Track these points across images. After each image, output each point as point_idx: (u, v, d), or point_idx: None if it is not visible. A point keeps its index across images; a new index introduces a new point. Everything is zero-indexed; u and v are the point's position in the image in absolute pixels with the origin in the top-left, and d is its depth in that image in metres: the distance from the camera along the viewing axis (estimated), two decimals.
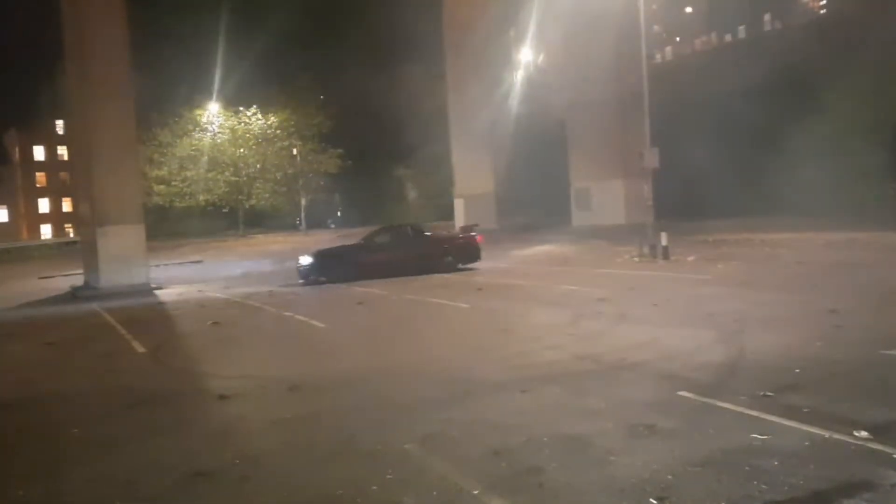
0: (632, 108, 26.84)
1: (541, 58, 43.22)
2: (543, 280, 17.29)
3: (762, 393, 6.68)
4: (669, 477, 4.94)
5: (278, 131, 57.74)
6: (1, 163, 78.54)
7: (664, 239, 19.56)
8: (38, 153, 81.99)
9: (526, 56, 43.16)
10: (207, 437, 6.75)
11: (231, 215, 60.53)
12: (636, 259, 20.07)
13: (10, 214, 78.40)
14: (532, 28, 39.33)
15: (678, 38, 43.85)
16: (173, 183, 56.04)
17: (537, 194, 41.66)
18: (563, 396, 7.18)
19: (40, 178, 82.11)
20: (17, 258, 50.04)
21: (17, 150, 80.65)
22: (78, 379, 10.06)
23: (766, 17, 41.80)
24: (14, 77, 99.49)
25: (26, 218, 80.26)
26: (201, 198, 57.22)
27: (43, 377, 10.25)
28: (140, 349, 11.80)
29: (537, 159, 40.70)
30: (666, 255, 19.45)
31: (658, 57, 43.03)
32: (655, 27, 34.21)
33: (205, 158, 56.41)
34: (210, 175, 56.83)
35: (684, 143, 28.32)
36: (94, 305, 18.32)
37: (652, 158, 20.52)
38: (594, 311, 12.11)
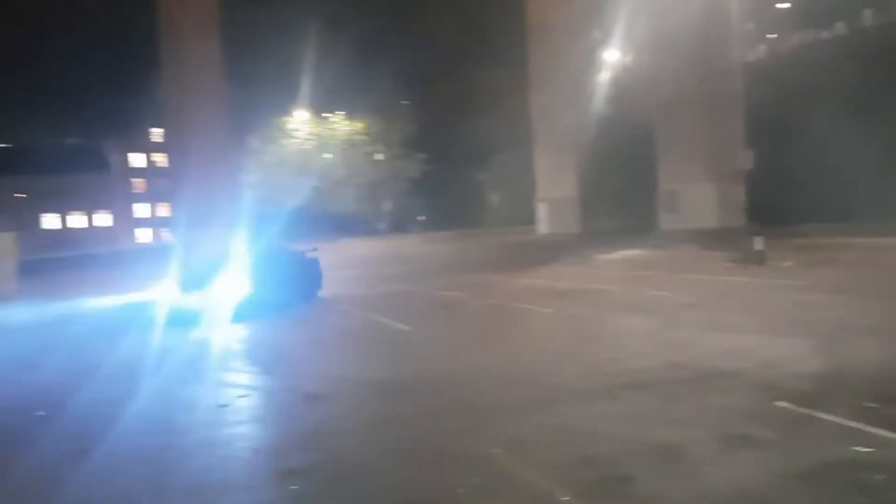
0: (724, 108, 26.13)
1: (627, 58, 42.45)
2: (630, 285, 16.94)
3: (865, 404, 6.35)
4: (766, 490, 4.76)
5: (363, 137, 58.61)
6: (102, 170, 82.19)
7: (759, 243, 18.87)
8: (137, 160, 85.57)
9: (612, 56, 42.48)
10: (298, 436, 6.86)
11: (316, 221, 61.70)
12: (728, 264, 19.43)
13: (111, 220, 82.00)
14: (618, 28, 38.66)
15: (772, 36, 42.39)
16: (262, 189, 57.48)
17: (623, 198, 40.93)
18: (654, 404, 7.00)
19: (138, 184, 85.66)
20: (118, 261, 52.24)
21: (117, 157, 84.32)
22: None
23: (867, 12, 39.97)
24: (114, 88, 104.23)
25: (126, 223, 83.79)
26: (288, 203, 58.49)
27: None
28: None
29: (623, 162, 39.96)
30: (760, 260, 18.76)
31: (751, 55, 41.73)
32: (748, 24, 33.10)
33: (292, 165, 57.70)
34: (297, 181, 58.07)
35: (779, 144, 27.31)
36: None
37: (746, 160, 19.89)
38: (685, 317, 11.78)
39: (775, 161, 25.41)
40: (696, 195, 31.68)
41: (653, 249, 26.04)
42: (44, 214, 77.78)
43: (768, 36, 41.98)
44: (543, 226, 41.85)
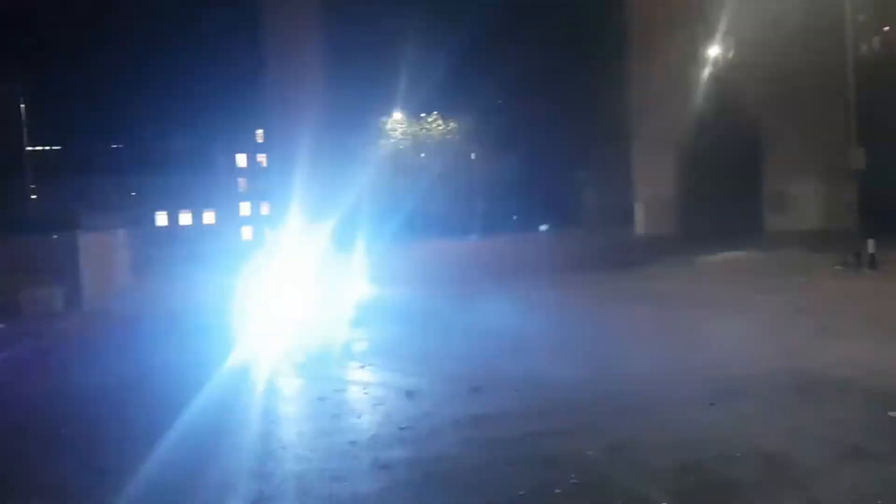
0: (834, 104, 24.97)
1: (730, 53, 41.11)
2: (733, 288, 16.42)
3: None
4: (879, 503, 4.55)
5: (458, 137, 58.86)
6: (209, 169, 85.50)
7: (871, 246, 17.97)
8: (241, 160, 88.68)
9: (715, 52, 41.23)
10: (394, 431, 6.99)
11: (410, 220, 62.36)
12: (838, 268, 18.56)
13: (216, 217, 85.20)
14: (721, 22, 37.47)
15: (887, 28, 40.27)
16: (359, 188, 58.54)
17: (724, 198, 39.68)
18: (758, 411, 6.78)
19: (242, 183, 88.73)
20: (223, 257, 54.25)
21: (222, 157, 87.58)
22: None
23: None
24: (221, 90, 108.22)
25: (230, 221, 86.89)
26: (384, 203, 59.34)
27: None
28: None
29: (725, 161, 38.72)
30: (873, 264, 17.85)
31: (864, 48, 39.77)
32: (861, 17, 31.56)
33: (388, 164, 58.48)
34: (392, 181, 58.85)
35: (893, 143, 25.91)
36: None
37: (857, 159, 18.94)
38: (792, 322, 11.35)
39: (888, 160, 24.12)
40: (803, 195, 30.50)
41: (757, 251, 25.13)
42: (158, 212, 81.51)
43: (884, 28, 39.93)
44: (641, 226, 41.04)
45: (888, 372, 7.84)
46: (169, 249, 61.57)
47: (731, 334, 10.86)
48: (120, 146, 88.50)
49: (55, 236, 21.26)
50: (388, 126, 58.50)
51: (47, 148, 76.79)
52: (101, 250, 23.85)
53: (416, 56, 50.57)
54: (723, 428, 6.28)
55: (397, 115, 57.83)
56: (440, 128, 58.81)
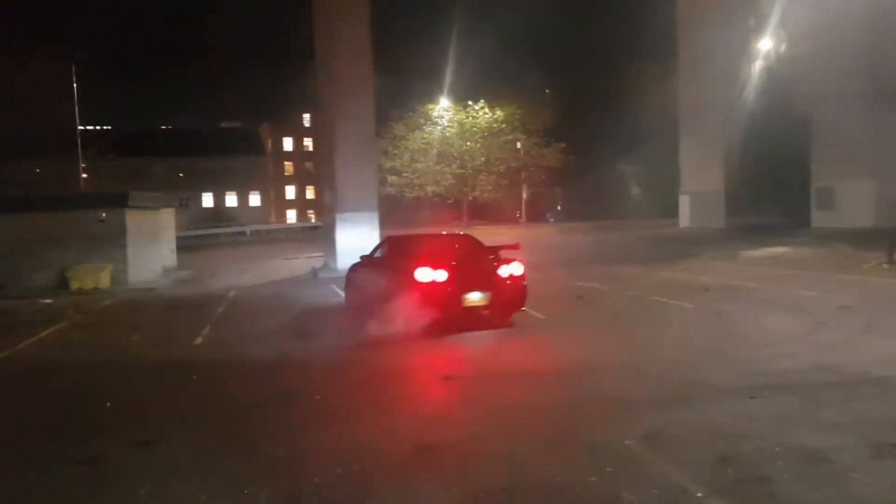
0: (887, 101, 24.43)
1: (783, 48, 40.34)
2: (777, 283, 16.20)
3: None
4: None
5: (504, 125, 58.64)
6: (256, 153, 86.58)
7: None
8: (287, 144, 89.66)
9: (766, 46, 40.50)
10: (433, 414, 7.08)
11: (455, 206, 62.50)
12: (885, 266, 18.19)
13: (262, 200, 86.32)
14: (774, 16, 36.79)
15: None
16: (405, 174, 58.78)
17: (772, 193, 39.06)
18: (798, 407, 6.72)
19: (288, 167, 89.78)
20: (266, 240, 55.15)
21: (269, 141, 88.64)
22: (321, 351, 10.91)
23: None
24: (267, 75, 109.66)
25: (275, 203, 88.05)
26: (429, 189, 59.54)
27: (289, 347, 11.23)
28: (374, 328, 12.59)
29: (773, 156, 38.11)
30: None
31: None
32: None
33: (434, 151, 58.59)
34: (438, 167, 58.96)
35: None
36: (333, 287, 19.59)
37: None
38: (835, 319, 11.18)
39: None
40: (852, 192, 29.89)
41: (802, 247, 24.69)
42: (204, 193, 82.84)
43: None
44: (685, 219, 40.66)
45: None
46: (215, 229, 62.74)
47: (772, 329, 10.76)
48: (169, 127, 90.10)
49: (104, 214, 21.76)
50: (435, 113, 58.51)
51: (98, 127, 78.43)
52: (148, 229, 24.34)
53: (464, 43, 50.61)
54: (762, 422, 6.24)
55: (444, 102, 57.80)
56: (487, 116, 58.63)
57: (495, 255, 11.97)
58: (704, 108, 38.13)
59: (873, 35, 27.46)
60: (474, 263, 11.88)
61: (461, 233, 15.60)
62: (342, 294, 15.75)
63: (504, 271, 11.70)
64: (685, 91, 40.38)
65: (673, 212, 42.24)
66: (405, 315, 10.97)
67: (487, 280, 11.50)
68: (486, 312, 11.70)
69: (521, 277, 11.83)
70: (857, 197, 29.58)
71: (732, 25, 37.44)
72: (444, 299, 11.11)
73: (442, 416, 7.04)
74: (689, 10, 39.48)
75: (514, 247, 12.57)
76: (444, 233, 19.10)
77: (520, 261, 12.00)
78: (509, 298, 11.64)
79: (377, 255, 13.99)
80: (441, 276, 11.16)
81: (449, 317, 11.20)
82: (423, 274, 11.17)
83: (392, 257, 13.05)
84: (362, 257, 14.29)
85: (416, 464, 5.67)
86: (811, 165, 33.10)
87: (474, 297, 11.29)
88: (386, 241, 14.41)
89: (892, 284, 15.25)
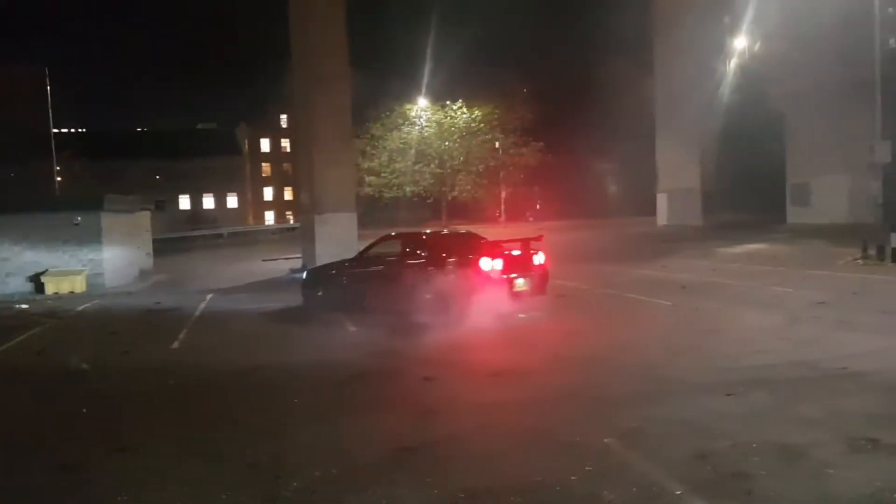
0: (860, 98, 24.70)
1: (757, 46, 40.74)
2: (753, 280, 16.36)
3: None
4: (895, 496, 4.55)
5: (482, 125, 58.70)
6: (232, 154, 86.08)
7: (894, 240, 17.80)
8: (265, 145, 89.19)
9: (741, 44, 40.89)
10: (413, 415, 7.06)
11: (434, 206, 62.49)
12: (860, 261, 18.42)
13: (239, 201, 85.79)
14: (749, 14, 37.13)
15: None
16: (383, 174, 58.66)
17: (747, 190, 39.45)
18: (775, 403, 6.79)
19: (265, 168, 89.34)
20: (244, 242, 54.78)
21: (246, 142, 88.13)
22: (298, 353, 10.88)
23: None
24: (244, 75, 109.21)
25: (253, 205, 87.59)
26: (408, 189, 59.47)
27: (268, 350, 11.18)
28: (351, 328, 12.56)
29: (748, 153, 38.53)
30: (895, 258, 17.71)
31: (892, 42, 39.21)
32: (890, 9, 31.07)
33: (412, 151, 58.53)
34: (417, 167, 58.90)
35: None
36: None
37: (883, 152, 18.77)
38: (811, 315, 11.30)
39: None
40: (826, 189, 30.25)
41: (779, 244, 24.96)
42: (181, 195, 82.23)
43: None
44: (663, 217, 40.89)
45: None
46: (192, 231, 62.31)
47: (748, 326, 10.87)
48: (144, 129, 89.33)
49: (79, 218, 21.51)
50: (412, 113, 58.46)
51: (73, 130, 77.58)
52: (125, 232, 24.11)
53: (441, 42, 50.59)
54: (739, 418, 6.30)
55: (421, 102, 57.77)
56: (465, 115, 58.66)
57: (525, 246, 13.15)
58: (680, 107, 38.39)
59: (845, 31, 27.77)
60: (515, 254, 12.99)
61: (463, 230, 16.45)
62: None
63: (536, 260, 13.10)
64: (661, 89, 40.63)
65: (651, 210, 42.47)
66: (461, 303, 12.10)
67: (527, 268, 12.85)
68: (527, 296, 12.82)
69: (546, 265, 13.27)
70: (831, 193, 29.94)
71: (707, 24, 37.71)
72: (501, 286, 12.29)
73: (421, 416, 7.00)
74: (664, 8, 39.72)
75: (538, 238, 13.57)
76: (445, 231, 19.27)
77: (543, 250, 13.29)
78: (540, 283, 13.06)
79: (381, 252, 14.48)
80: (499, 265, 12.36)
81: (503, 301, 12.24)
82: (486, 264, 12.33)
83: (421, 252, 13.64)
84: (348, 261, 15.20)
85: (395, 466, 5.65)
86: (786, 162, 33.44)
87: (520, 283, 12.60)
88: (394, 239, 14.76)
89: (867, 280, 15.44)
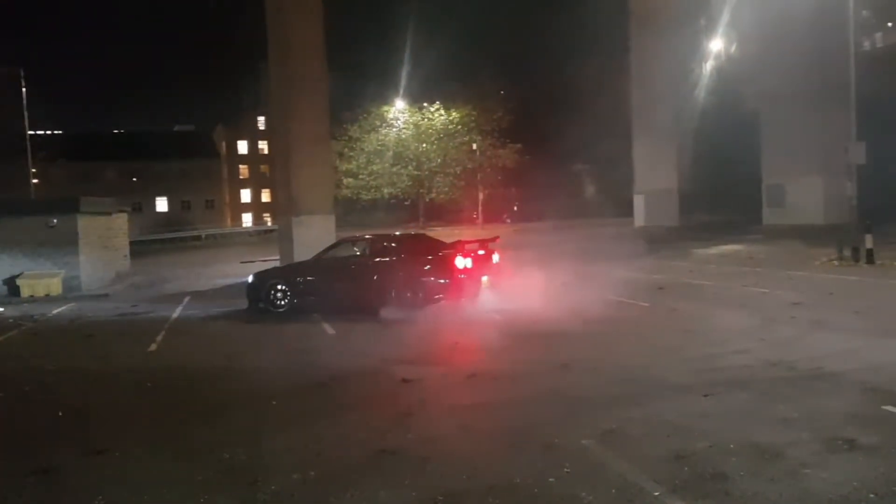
0: (835, 100, 24.99)
1: (733, 47, 41.11)
2: (730, 281, 16.51)
3: None
4: (872, 496, 4.61)
5: (459, 127, 58.82)
6: (210, 156, 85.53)
7: (869, 241, 18.04)
8: (242, 147, 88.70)
9: (717, 46, 41.24)
10: (391, 417, 7.04)
11: (412, 208, 62.51)
12: (835, 262, 18.65)
13: (217, 203, 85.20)
14: (723, 16, 37.47)
15: (890, 24, 40.23)
16: (360, 176, 58.61)
17: (723, 191, 39.75)
18: (752, 403, 6.84)
19: (243, 170, 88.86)
20: (222, 243, 54.44)
21: (223, 144, 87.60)
22: (275, 355, 10.83)
23: None
24: (221, 77, 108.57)
25: (230, 207, 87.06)
26: (385, 191, 59.46)
27: (245, 352, 11.12)
28: (330, 331, 12.51)
29: (725, 154, 38.82)
30: (870, 259, 17.93)
31: (867, 45, 39.74)
32: (864, 12, 31.48)
33: (390, 153, 58.55)
34: (394, 169, 58.91)
35: (893, 139, 25.92)
36: None
37: (858, 153, 18.99)
38: (787, 315, 11.41)
39: (888, 156, 24.16)
40: (801, 190, 30.49)
41: (755, 244, 25.23)
42: (158, 198, 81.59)
43: (889, 25, 39.88)
44: (640, 218, 41.07)
45: (882, 366, 7.89)
46: (168, 234, 61.79)
47: (725, 326, 10.94)
48: (121, 131, 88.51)
49: (55, 220, 21.27)
50: (390, 115, 58.44)
51: (48, 132, 76.70)
52: (101, 234, 23.86)
53: (419, 44, 50.61)
54: (716, 419, 6.34)
55: (399, 104, 57.76)
56: (442, 117, 58.71)
57: (485, 246, 14.34)
58: (657, 108, 38.58)
59: (820, 33, 28.06)
60: (478, 254, 14.06)
61: (413, 232, 17.90)
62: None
63: (495, 258, 14.41)
64: (637, 90, 40.79)
65: (628, 211, 42.66)
66: (430, 299, 13.48)
67: (489, 266, 14.11)
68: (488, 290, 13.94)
69: (501, 264, 14.64)
70: (807, 194, 30.18)
71: (683, 26, 37.98)
72: (473, 282, 13.68)
73: (399, 417, 6.98)
74: (640, 9, 39.91)
75: (494, 239, 14.84)
76: (398, 232, 20.00)
77: (498, 251, 14.62)
78: (498, 279, 14.30)
79: (342, 254, 15.16)
80: (470, 263, 13.61)
81: (473, 295, 13.66)
82: (461, 262, 13.51)
83: (387, 254, 14.55)
84: (302, 264, 16.05)
85: (373, 468, 5.64)
86: (762, 163, 33.71)
87: (484, 280, 13.92)
88: (360, 241, 15.40)
89: (842, 281, 15.62)
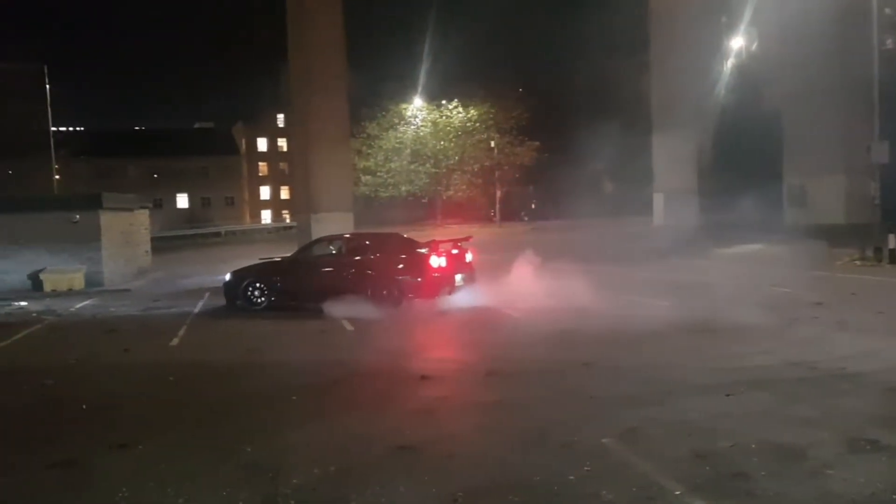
0: (857, 98, 24.73)
1: (754, 45, 40.75)
2: (751, 280, 16.37)
3: None
4: (895, 497, 4.57)
5: (477, 124, 58.70)
6: (230, 153, 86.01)
7: (892, 241, 17.85)
8: (261, 144, 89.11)
9: (738, 43, 40.90)
10: (411, 413, 7.07)
11: (429, 206, 62.51)
12: (857, 262, 18.48)
13: (236, 200, 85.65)
14: (746, 13, 37.15)
15: None
16: (378, 174, 58.65)
17: (744, 190, 39.45)
18: (773, 403, 6.80)
19: (262, 167, 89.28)
20: (241, 240, 54.76)
21: (243, 141, 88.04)
22: (295, 351, 10.89)
23: None
24: (242, 75, 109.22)
25: (250, 204, 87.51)
26: (403, 188, 59.45)
27: (265, 348, 11.19)
28: (349, 328, 12.55)
29: (745, 153, 38.51)
30: (893, 259, 17.76)
31: (889, 42, 39.29)
32: (887, 10, 31.12)
33: (408, 151, 58.53)
34: (412, 167, 58.90)
35: None
36: None
37: (880, 153, 18.79)
38: (809, 315, 11.32)
39: None
40: (824, 189, 30.22)
41: (776, 244, 24.94)
42: (178, 194, 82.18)
43: None
44: (659, 217, 40.86)
45: None
46: (189, 230, 62.23)
47: (746, 326, 10.84)
48: (142, 128, 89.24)
49: (77, 216, 21.47)
50: (408, 112, 58.43)
51: (71, 129, 77.47)
52: (123, 230, 24.07)
53: (438, 42, 50.58)
54: (737, 419, 6.31)
55: (417, 102, 57.74)
56: (460, 115, 58.63)
57: (459, 245, 14.95)
58: (676, 106, 38.33)
59: (842, 31, 27.79)
60: (453, 253, 14.62)
61: (391, 232, 18.36)
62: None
63: (468, 257, 15.04)
64: (657, 88, 40.56)
65: (647, 210, 42.43)
66: (405, 296, 14.06)
67: (462, 265, 14.72)
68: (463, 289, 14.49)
69: (473, 263, 15.25)
70: (829, 193, 29.92)
71: (704, 22, 37.73)
72: (447, 280, 14.24)
73: (418, 413, 7.00)
74: (661, 7, 39.68)
75: (467, 238, 15.55)
76: (374, 232, 20.61)
77: (472, 249, 15.35)
78: (472, 278, 14.93)
79: (321, 253, 15.89)
80: (444, 262, 14.18)
81: (448, 294, 14.20)
82: (436, 261, 14.08)
83: (363, 252, 15.14)
84: (276, 262, 16.18)
85: (394, 464, 5.66)
86: (783, 162, 33.43)
87: (458, 279, 14.47)
88: (336, 240, 16.16)
89: (864, 281, 15.48)
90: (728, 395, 7.03)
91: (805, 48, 30.37)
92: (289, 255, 17.09)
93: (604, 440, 5.90)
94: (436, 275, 14.14)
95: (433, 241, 15.07)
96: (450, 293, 14.28)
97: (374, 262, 14.68)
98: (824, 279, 16.06)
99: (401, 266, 14.46)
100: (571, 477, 5.16)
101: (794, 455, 5.36)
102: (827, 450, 5.44)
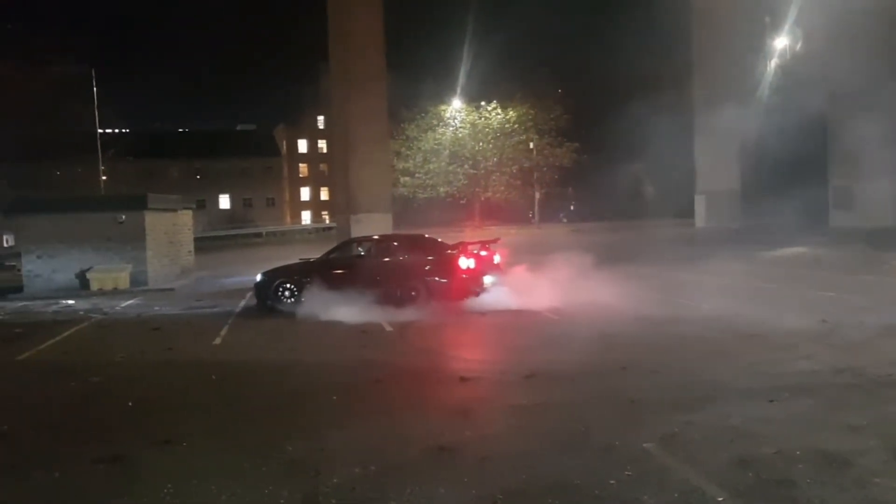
0: None
1: (798, 45, 40.06)
2: (794, 284, 16.11)
3: None
4: None
5: (516, 125, 58.55)
6: (271, 155, 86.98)
7: None
8: (302, 146, 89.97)
9: (781, 44, 40.25)
10: (450, 414, 7.09)
11: (468, 207, 62.49)
12: None
13: (277, 201, 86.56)
14: (790, 13, 36.54)
15: None
16: (417, 175, 58.83)
17: (788, 192, 38.78)
18: (818, 409, 6.69)
19: (303, 168, 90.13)
20: (282, 241, 55.33)
21: (284, 143, 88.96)
22: (335, 351, 10.99)
23: None
24: (283, 77, 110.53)
25: (290, 205, 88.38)
26: (441, 189, 59.53)
27: (306, 347, 11.31)
28: (388, 329, 12.62)
29: (789, 155, 37.83)
30: None
31: None
32: None
33: (446, 152, 58.61)
34: (450, 168, 58.97)
35: None
36: None
37: None
38: (855, 320, 11.08)
39: None
40: (871, 191, 29.63)
41: (821, 247, 24.53)
42: (220, 195, 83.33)
43: None
44: (701, 219, 40.43)
45: None
46: (231, 230, 63.10)
47: (790, 331, 10.66)
48: (185, 130, 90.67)
49: (123, 216, 21.88)
50: (447, 114, 58.51)
51: (117, 130, 79.01)
52: (167, 230, 24.46)
53: (477, 43, 50.55)
54: (782, 425, 6.22)
55: (456, 103, 57.78)
56: (499, 116, 58.55)
57: (487, 247, 15.19)
58: (719, 106, 37.85)
59: (890, 30, 27.21)
60: (481, 254, 14.90)
61: (426, 235, 18.03)
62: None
63: (496, 259, 15.23)
64: (700, 89, 40.15)
65: (688, 212, 42.00)
66: (441, 295, 14.27)
67: (491, 266, 14.92)
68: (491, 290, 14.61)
69: (501, 265, 15.48)
70: (875, 196, 29.34)
71: (748, 23, 37.21)
72: (475, 282, 14.47)
73: (457, 415, 7.02)
74: (703, 7, 39.25)
75: (495, 240, 15.68)
76: (403, 234, 20.62)
77: (500, 252, 15.52)
78: (500, 280, 15.00)
79: (351, 254, 16.10)
80: (472, 263, 14.45)
81: (476, 295, 14.36)
82: (464, 262, 14.34)
83: (392, 254, 15.53)
84: (306, 263, 16.20)
85: (432, 465, 5.69)
86: (828, 164, 32.83)
87: (488, 280, 14.65)
88: (365, 242, 16.66)
89: None
90: (771, 401, 6.93)
91: (851, 47, 29.81)
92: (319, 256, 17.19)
93: (645, 444, 5.86)
94: (464, 276, 14.40)
95: (461, 242, 15.37)
96: (478, 294, 14.44)
97: (402, 264, 14.97)
98: (871, 283, 15.72)
99: (429, 267, 14.75)
100: (612, 481, 5.14)
101: (839, 463, 5.27)
102: (874, 458, 5.34)
